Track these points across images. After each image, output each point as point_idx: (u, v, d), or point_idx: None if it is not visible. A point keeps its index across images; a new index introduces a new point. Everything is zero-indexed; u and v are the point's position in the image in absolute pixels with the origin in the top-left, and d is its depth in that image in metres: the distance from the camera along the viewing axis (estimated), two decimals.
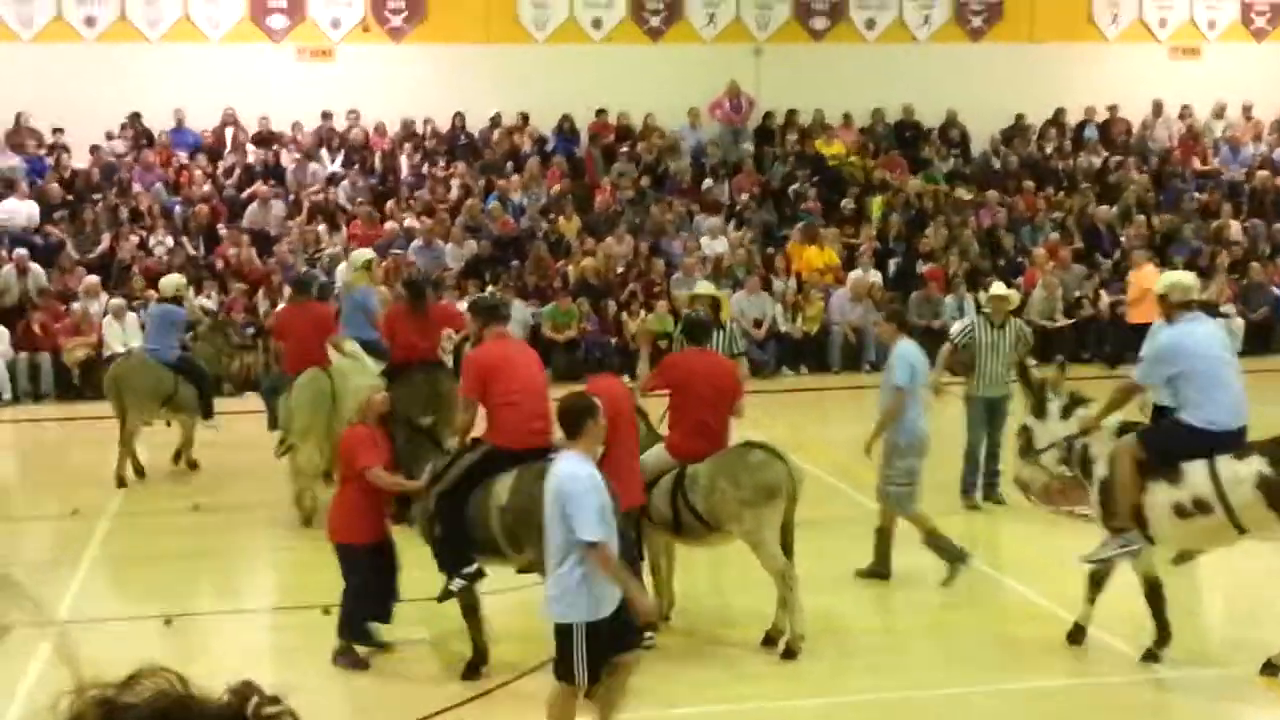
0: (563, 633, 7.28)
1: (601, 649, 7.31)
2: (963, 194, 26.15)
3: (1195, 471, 8.96)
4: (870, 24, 28.24)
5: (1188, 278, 10.01)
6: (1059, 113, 28.33)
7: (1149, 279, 17.03)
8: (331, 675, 9.26)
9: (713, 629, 10.19)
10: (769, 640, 9.58)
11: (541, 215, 24.73)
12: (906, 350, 11.02)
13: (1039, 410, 9.86)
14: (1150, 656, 9.27)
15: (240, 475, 15.31)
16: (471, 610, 9.23)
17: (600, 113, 26.94)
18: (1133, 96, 28.64)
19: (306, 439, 13.20)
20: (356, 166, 25.47)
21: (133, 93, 25.31)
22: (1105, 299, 23.55)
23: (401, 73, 26.41)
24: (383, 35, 26.58)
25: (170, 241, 23.15)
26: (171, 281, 16.67)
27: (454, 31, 26.45)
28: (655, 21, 27.51)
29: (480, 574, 9.09)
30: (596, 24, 27.34)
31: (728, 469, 9.48)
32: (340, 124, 26.08)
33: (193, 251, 23.18)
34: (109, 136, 25.09)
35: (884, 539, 11.09)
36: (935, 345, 13.74)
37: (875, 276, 23.79)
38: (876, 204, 25.64)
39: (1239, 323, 23.26)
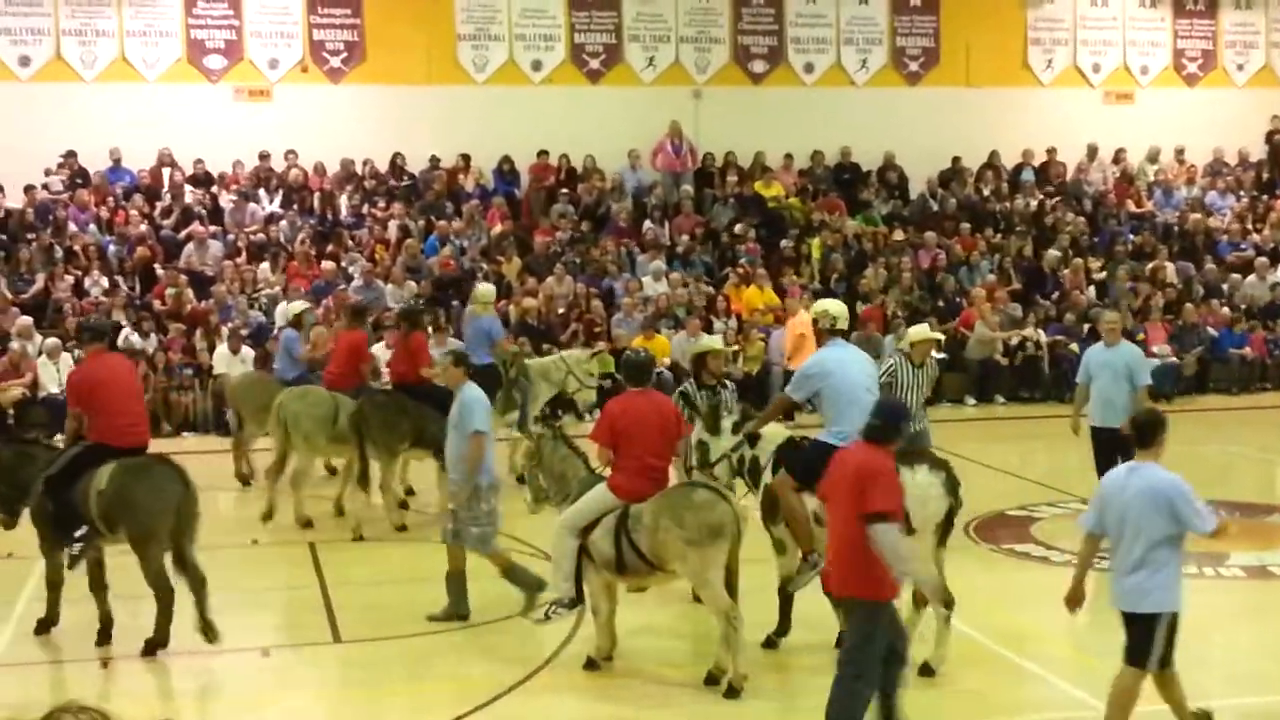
0: (1149, 621, 7.71)
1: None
2: (900, 235, 26.34)
3: None
4: (809, 68, 28.46)
5: (835, 306, 10.61)
6: (994, 156, 28.62)
7: (803, 325, 18.20)
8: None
9: (656, 669, 10.13)
10: (711, 680, 9.53)
11: (483, 256, 24.71)
12: (476, 394, 11.14)
13: (714, 428, 10.83)
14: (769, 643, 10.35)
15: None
16: (55, 586, 10.70)
17: (541, 154, 26.97)
18: (1067, 140, 29.00)
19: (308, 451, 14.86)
20: (295, 207, 25.38)
21: (67, 133, 25.13)
22: (1044, 338, 23.80)
23: (340, 113, 26.34)
24: (321, 76, 26.51)
25: (105, 282, 22.95)
26: (294, 307, 17.85)
27: (393, 73, 26.42)
28: (595, 64, 27.60)
29: (94, 534, 10.29)
30: (536, 66, 27.38)
31: (672, 508, 9.43)
32: (278, 164, 25.98)
33: (129, 291, 23.00)
34: (47, 173, 24.88)
35: (460, 581, 11.19)
36: None
37: None
38: (815, 245, 25.76)
39: (1174, 363, 23.52)
